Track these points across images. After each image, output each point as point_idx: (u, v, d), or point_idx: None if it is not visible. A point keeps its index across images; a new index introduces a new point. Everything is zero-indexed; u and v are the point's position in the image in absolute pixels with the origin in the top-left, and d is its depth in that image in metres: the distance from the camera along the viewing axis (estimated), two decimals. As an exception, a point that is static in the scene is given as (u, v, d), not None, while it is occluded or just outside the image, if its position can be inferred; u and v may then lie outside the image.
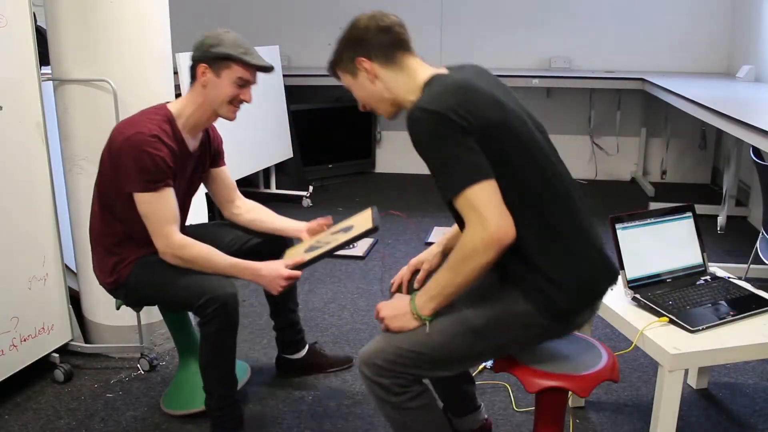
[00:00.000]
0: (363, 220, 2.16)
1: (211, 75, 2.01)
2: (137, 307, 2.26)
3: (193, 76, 2.05)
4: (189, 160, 2.14)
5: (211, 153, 2.26)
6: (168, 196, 2.00)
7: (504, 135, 1.54)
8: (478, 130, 1.50)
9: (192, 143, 2.13)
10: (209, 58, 2.00)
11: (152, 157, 1.94)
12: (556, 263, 1.57)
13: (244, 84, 2.04)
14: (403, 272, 1.97)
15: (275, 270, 2.02)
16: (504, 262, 1.55)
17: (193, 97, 2.06)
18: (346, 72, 1.73)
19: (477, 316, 1.61)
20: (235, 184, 2.38)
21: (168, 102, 2.12)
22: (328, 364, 2.58)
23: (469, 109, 1.51)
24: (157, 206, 1.98)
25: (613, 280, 1.65)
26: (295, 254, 2.19)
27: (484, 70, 1.73)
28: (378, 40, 1.67)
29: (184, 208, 2.25)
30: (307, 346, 2.56)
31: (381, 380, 1.60)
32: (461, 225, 1.59)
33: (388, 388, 1.61)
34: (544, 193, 1.58)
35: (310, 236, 2.28)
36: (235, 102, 2.06)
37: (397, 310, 1.63)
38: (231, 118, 2.10)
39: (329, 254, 2.05)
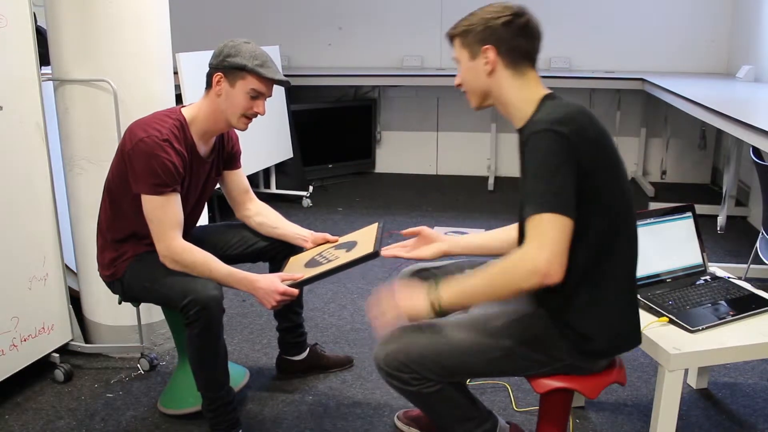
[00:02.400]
0: (367, 239, 2.15)
1: (226, 85, 2.02)
2: (134, 302, 2.26)
3: (209, 84, 2.05)
4: (202, 166, 2.15)
5: (224, 156, 2.27)
6: (174, 202, 2.00)
7: (609, 178, 1.54)
8: (587, 162, 1.50)
9: (204, 149, 2.13)
10: (225, 67, 2.00)
11: (162, 161, 1.94)
12: (603, 318, 1.60)
13: (258, 96, 2.04)
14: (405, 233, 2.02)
15: (272, 284, 2.01)
16: (552, 296, 1.58)
17: (207, 104, 2.07)
18: (466, 48, 1.64)
19: (508, 336, 1.63)
20: (248, 186, 2.38)
21: (183, 106, 2.12)
22: (329, 365, 2.58)
23: (590, 140, 1.51)
24: (162, 211, 1.98)
25: (636, 344, 1.69)
26: (296, 265, 2.19)
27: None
28: (515, 42, 1.60)
29: (196, 211, 2.26)
30: (308, 348, 2.55)
31: (400, 375, 1.64)
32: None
33: (407, 382, 1.64)
34: (620, 251, 1.60)
35: (313, 246, 2.28)
36: (248, 114, 2.06)
37: (412, 290, 1.63)
38: (242, 129, 2.11)
39: (327, 275, 2.04)
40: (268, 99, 2.09)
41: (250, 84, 2.01)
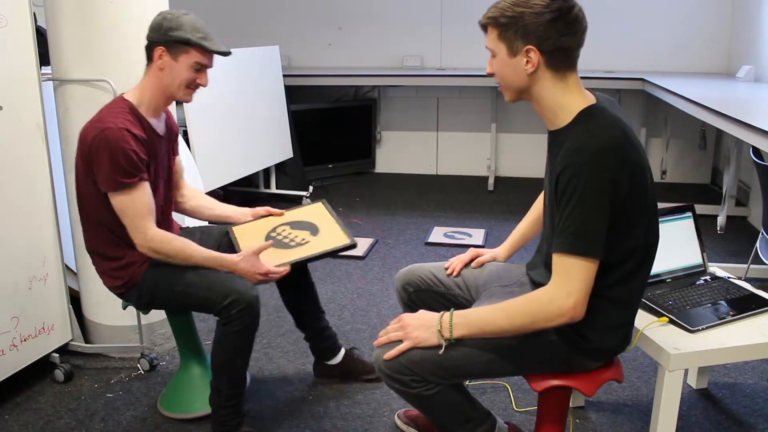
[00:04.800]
0: (327, 225, 2.23)
1: (168, 58, 2.01)
2: (146, 309, 2.23)
3: (150, 58, 2.04)
4: (161, 143, 2.14)
5: (172, 138, 2.27)
6: (143, 190, 1.99)
7: (638, 207, 1.53)
8: (626, 194, 1.48)
9: (159, 126, 2.13)
10: (167, 41, 1.99)
11: (125, 151, 1.93)
12: (606, 325, 1.61)
13: (201, 68, 2.04)
14: (463, 256, 2.03)
15: (253, 266, 2.04)
16: None
17: (149, 79, 2.06)
18: (504, 42, 1.53)
19: (508, 337, 1.62)
20: (183, 170, 2.37)
21: (123, 93, 2.11)
22: (366, 371, 2.50)
23: (630, 173, 1.48)
24: (132, 202, 1.97)
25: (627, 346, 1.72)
26: (250, 236, 2.22)
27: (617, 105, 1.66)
28: (560, 42, 1.49)
29: (168, 194, 2.22)
30: (343, 351, 2.52)
31: (400, 377, 1.63)
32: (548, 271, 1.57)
33: (407, 384, 1.64)
34: (640, 267, 1.59)
35: (254, 219, 2.33)
36: (191, 86, 2.06)
37: (422, 322, 1.63)
38: (188, 101, 2.11)
39: (308, 262, 2.13)
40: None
41: (194, 57, 2.01)
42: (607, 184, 1.45)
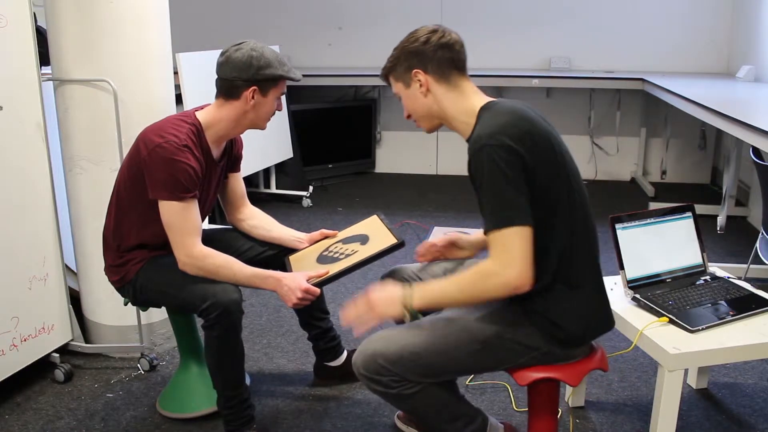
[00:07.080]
0: (378, 231, 2.14)
1: (260, 96, 2.01)
2: (143, 306, 2.25)
3: (235, 95, 2.00)
4: (214, 170, 2.14)
5: (231, 159, 2.26)
6: (193, 208, 1.98)
7: (553, 177, 1.58)
8: (534, 166, 1.54)
9: (216, 153, 2.12)
10: (259, 80, 1.98)
11: (183, 167, 1.92)
12: (571, 307, 1.64)
13: (280, 96, 2.09)
14: (438, 240, 2.08)
15: (296, 281, 1.98)
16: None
17: (230, 114, 2.03)
18: (399, 81, 1.74)
19: (482, 329, 1.65)
20: (244, 190, 2.37)
21: (197, 109, 2.09)
22: None
23: (530, 144, 1.54)
24: (183, 217, 1.96)
25: (610, 328, 1.74)
26: (304, 263, 2.17)
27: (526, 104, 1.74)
28: (437, 56, 1.67)
29: (202, 215, 2.23)
30: (345, 353, 2.51)
31: (379, 378, 1.66)
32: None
33: (386, 384, 1.66)
34: (577, 242, 1.63)
35: (310, 245, 2.29)
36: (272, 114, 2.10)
37: (387, 293, 1.66)
38: (264, 128, 2.14)
39: (353, 270, 2.03)
40: None
41: (281, 89, 2.05)
42: (508, 158, 1.51)
